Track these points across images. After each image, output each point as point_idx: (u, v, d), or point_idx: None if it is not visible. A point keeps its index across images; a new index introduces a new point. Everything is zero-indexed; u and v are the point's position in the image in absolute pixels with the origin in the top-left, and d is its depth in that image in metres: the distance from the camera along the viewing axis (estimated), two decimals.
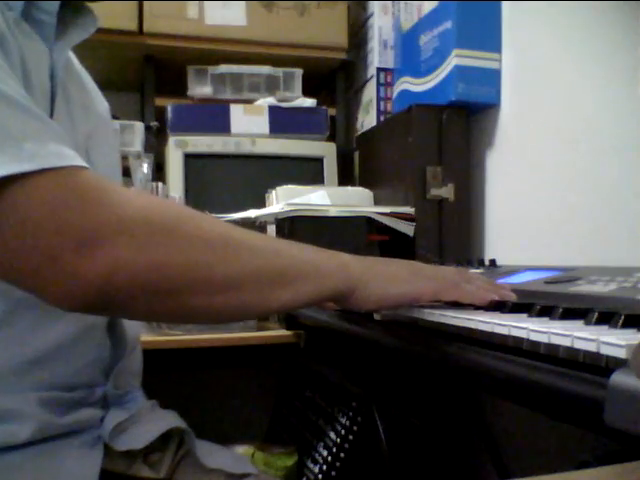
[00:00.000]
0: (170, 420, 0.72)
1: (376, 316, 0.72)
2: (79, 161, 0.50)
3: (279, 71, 1.66)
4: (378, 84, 1.69)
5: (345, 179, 1.70)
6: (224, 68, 1.62)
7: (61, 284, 0.48)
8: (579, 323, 0.49)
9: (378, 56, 1.69)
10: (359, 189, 1.54)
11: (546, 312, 0.54)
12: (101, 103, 0.79)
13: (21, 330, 0.59)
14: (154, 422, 0.71)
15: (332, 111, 1.74)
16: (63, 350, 0.61)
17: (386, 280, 0.63)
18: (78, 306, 0.51)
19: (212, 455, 0.72)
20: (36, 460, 0.58)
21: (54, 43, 0.63)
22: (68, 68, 0.69)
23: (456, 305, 0.67)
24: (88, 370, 0.64)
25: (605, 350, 0.40)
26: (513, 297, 0.64)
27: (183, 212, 0.55)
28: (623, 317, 0.46)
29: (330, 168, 1.66)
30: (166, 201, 0.53)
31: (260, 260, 0.56)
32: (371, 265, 0.64)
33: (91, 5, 0.69)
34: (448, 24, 1.33)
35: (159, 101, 1.63)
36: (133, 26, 1.54)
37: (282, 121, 1.62)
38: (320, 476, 1.05)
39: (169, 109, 1.57)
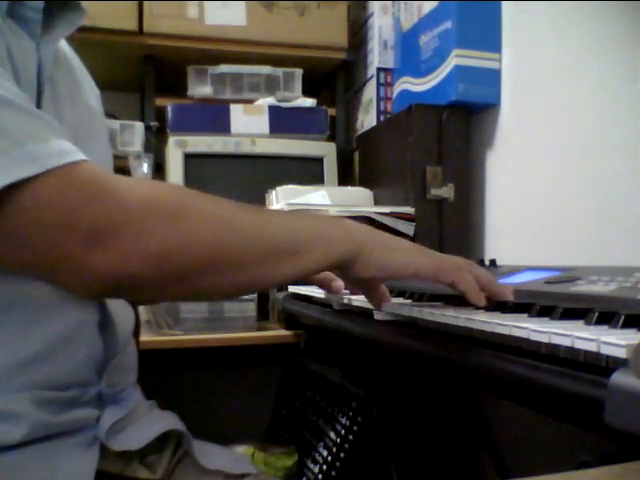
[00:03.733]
0: (168, 421, 0.71)
1: (376, 315, 0.72)
2: (79, 155, 0.52)
3: (279, 71, 1.66)
4: (378, 84, 1.69)
5: (345, 179, 1.71)
6: (224, 68, 1.62)
7: (77, 277, 0.51)
8: (579, 323, 0.49)
9: (378, 56, 1.69)
10: (359, 189, 1.54)
11: (546, 312, 0.54)
12: (91, 91, 0.77)
13: (13, 329, 0.58)
14: (152, 423, 0.70)
15: (332, 111, 1.74)
16: (56, 349, 0.60)
17: (389, 249, 0.64)
18: (94, 294, 0.57)
19: (211, 456, 0.71)
20: (31, 461, 0.57)
21: (40, 38, 0.63)
22: (57, 59, 0.68)
23: (457, 304, 0.67)
24: (81, 368, 0.63)
25: (605, 350, 0.40)
26: (510, 297, 0.64)
27: (186, 197, 0.56)
28: (623, 317, 0.46)
29: (330, 168, 1.66)
30: (168, 186, 0.56)
31: (266, 237, 0.58)
32: (376, 234, 0.66)
33: (89, 3, 0.69)
34: (448, 24, 1.33)
35: (159, 101, 1.63)
36: (133, 26, 1.54)
37: (282, 121, 1.62)
38: (320, 476, 1.05)
39: (169, 109, 1.57)
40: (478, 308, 0.63)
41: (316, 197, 1.37)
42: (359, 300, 0.80)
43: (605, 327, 0.47)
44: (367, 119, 1.74)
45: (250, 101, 1.63)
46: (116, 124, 1.49)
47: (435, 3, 1.40)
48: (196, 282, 0.55)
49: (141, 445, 0.66)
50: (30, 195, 0.49)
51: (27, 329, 0.59)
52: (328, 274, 0.84)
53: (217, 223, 0.56)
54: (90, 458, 0.61)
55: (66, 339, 0.61)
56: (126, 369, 0.71)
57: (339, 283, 0.83)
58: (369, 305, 0.76)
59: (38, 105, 0.61)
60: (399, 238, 0.68)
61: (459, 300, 0.67)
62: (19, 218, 0.49)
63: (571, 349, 0.43)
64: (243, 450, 1.17)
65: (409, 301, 0.76)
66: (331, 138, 1.70)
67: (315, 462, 1.09)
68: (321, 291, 0.98)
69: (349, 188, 1.56)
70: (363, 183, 1.60)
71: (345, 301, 0.84)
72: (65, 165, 0.50)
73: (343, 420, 1.06)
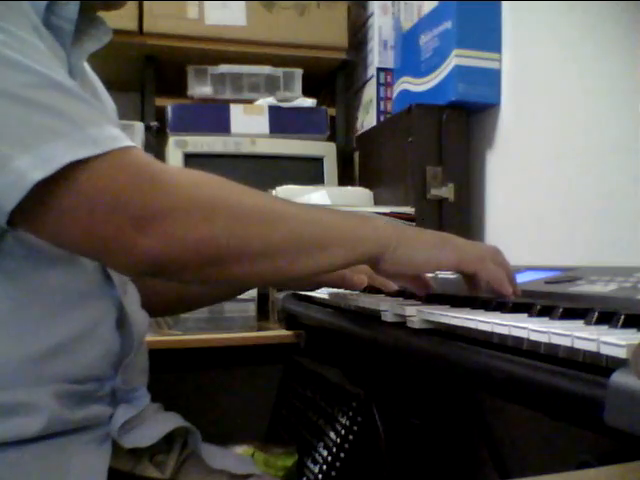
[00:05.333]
0: (176, 420, 0.73)
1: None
2: (129, 141, 0.55)
3: (279, 71, 1.65)
4: (378, 84, 1.69)
5: (345, 179, 1.70)
6: (224, 68, 1.62)
7: (123, 256, 0.54)
8: (579, 323, 0.49)
9: (378, 56, 1.69)
10: (359, 189, 1.54)
11: (546, 312, 0.54)
12: (110, 105, 0.81)
13: (35, 321, 0.60)
14: (160, 422, 0.72)
15: (332, 111, 1.74)
16: (76, 342, 0.62)
17: (413, 246, 0.66)
18: (137, 273, 0.64)
19: (216, 456, 0.73)
20: (45, 456, 0.59)
21: (71, 50, 0.66)
22: (82, 73, 0.71)
23: (457, 304, 0.67)
24: (99, 363, 0.66)
25: (605, 350, 0.40)
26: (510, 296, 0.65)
27: (225, 188, 0.59)
28: (623, 317, 0.46)
29: (330, 168, 1.66)
30: (208, 177, 0.59)
31: (298, 229, 0.61)
32: (402, 230, 0.67)
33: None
34: (448, 24, 1.33)
35: (159, 101, 1.63)
36: (133, 26, 1.54)
37: (282, 121, 1.62)
38: (320, 476, 1.05)
39: (169, 109, 1.57)
40: (479, 307, 0.63)
41: (316, 197, 1.37)
42: (359, 300, 0.80)
43: (605, 327, 0.47)
44: (367, 119, 1.74)
45: (250, 101, 1.63)
46: None
47: (435, 3, 1.40)
48: (230, 269, 0.58)
49: (151, 442, 0.68)
50: (87, 175, 0.51)
51: (49, 321, 0.61)
52: (345, 272, 0.85)
53: (252, 215, 0.58)
54: (103, 455, 0.63)
55: (86, 333, 0.64)
56: (139, 369, 0.74)
57: (361, 277, 0.84)
58: (370, 305, 0.76)
59: None
60: (424, 230, 0.70)
61: (459, 300, 0.68)
62: (75, 197, 0.52)
63: (571, 349, 0.43)
64: (243, 450, 1.17)
65: (411, 301, 0.76)
66: (331, 138, 1.70)
67: (315, 462, 1.09)
68: (321, 291, 0.98)
69: (349, 188, 1.56)
70: (363, 183, 1.60)
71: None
72: (118, 149, 0.53)
73: (343, 420, 1.06)
